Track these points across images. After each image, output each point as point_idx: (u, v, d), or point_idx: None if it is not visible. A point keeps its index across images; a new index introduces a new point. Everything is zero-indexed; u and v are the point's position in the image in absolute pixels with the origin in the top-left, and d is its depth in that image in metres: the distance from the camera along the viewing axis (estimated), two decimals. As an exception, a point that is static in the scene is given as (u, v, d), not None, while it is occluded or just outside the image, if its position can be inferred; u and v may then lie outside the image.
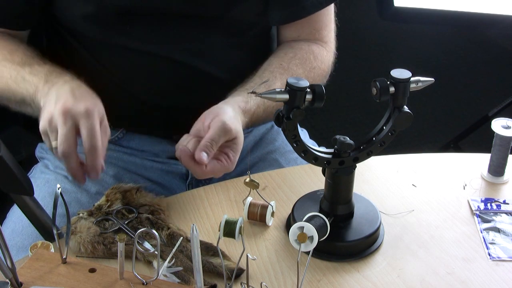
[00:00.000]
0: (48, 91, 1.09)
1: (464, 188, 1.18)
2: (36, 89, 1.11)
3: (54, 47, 1.34)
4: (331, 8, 1.34)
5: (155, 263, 0.96)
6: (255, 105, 1.17)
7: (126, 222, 1.04)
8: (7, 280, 0.84)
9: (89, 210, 1.05)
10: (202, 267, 0.94)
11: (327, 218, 0.98)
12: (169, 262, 0.92)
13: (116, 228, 1.03)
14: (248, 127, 1.20)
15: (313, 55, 1.29)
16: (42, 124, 1.05)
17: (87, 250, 0.99)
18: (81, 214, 1.04)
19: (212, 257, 0.99)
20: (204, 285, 0.92)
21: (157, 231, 1.02)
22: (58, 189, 0.86)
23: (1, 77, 1.17)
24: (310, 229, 0.93)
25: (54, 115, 1.02)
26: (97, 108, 1.04)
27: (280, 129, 0.98)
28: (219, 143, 1.06)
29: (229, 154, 1.08)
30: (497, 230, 1.08)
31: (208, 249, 1.00)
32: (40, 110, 1.10)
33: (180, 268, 0.93)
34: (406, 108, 0.99)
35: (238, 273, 0.95)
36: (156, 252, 0.97)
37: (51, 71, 1.14)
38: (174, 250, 0.91)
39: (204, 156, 1.03)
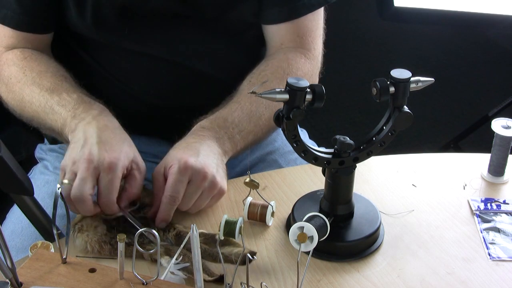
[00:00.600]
0: (75, 127, 1.09)
1: (464, 188, 1.18)
2: (64, 122, 1.11)
3: (53, 49, 1.34)
4: (320, 14, 1.31)
5: (163, 261, 0.96)
6: (217, 116, 1.15)
7: (130, 210, 1.04)
8: (7, 280, 0.84)
9: None
10: (210, 259, 0.96)
11: (327, 218, 0.98)
12: (176, 259, 0.92)
13: (120, 215, 1.04)
14: (235, 137, 1.16)
15: (286, 62, 1.25)
16: (64, 163, 1.05)
17: (94, 249, 0.99)
18: None
19: (221, 247, 1.00)
20: (212, 276, 0.92)
21: (163, 233, 1.02)
22: (58, 189, 0.86)
23: (31, 103, 1.17)
24: (310, 229, 0.93)
25: (79, 160, 1.02)
26: (122, 157, 1.03)
27: (280, 129, 0.98)
28: (158, 189, 1.06)
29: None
30: (497, 230, 1.08)
31: (215, 240, 1.00)
32: (67, 143, 1.11)
33: (187, 264, 0.93)
34: (406, 108, 0.99)
35: (250, 256, 0.95)
36: (163, 250, 0.98)
37: (79, 103, 1.12)
38: (182, 246, 0.91)
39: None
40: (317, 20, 1.31)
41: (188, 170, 1.03)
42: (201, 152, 1.07)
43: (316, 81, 1.31)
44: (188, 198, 1.05)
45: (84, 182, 1.00)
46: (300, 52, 1.29)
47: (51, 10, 1.24)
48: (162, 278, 0.91)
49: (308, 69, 1.29)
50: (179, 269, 0.93)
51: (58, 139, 1.22)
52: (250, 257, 0.86)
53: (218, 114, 1.16)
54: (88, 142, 1.04)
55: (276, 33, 1.30)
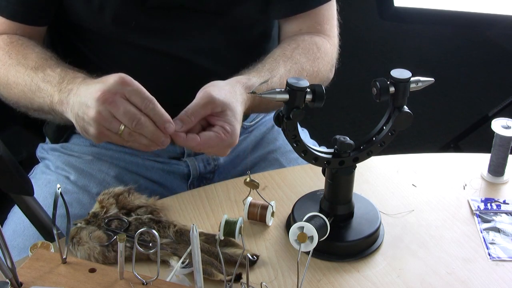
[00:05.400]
0: (66, 101, 1.08)
1: (464, 188, 1.18)
2: (52, 99, 1.11)
3: (56, 46, 1.34)
4: (333, 3, 1.33)
5: (172, 262, 0.96)
6: (259, 83, 1.13)
7: (128, 225, 1.04)
8: (7, 280, 0.84)
9: (85, 219, 1.05)
10: (215, 259, 0.97)
11: (327, 218, 0.98)
12: (183, 262, 0.92)
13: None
14: (253, 108, 1.15)
15: (316, 46, 1.27)
16: (82, 129, 1.04)
17: (98, 261, 0.98)
18: (78, 224, 1.03)
19: (224, 247, 1.00)
20: (229, 275, 0.93)
21: (163, 230, 1.02)
22: (58, 189, 0.86)
23: (17, 84, 1.17)
24: (310, 229, 0.93)
25: (98, 108, 0.99)
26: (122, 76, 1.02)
27: (280, 128, 0.98)
28: (200, 114, 1.04)
29: (225, 126, 1.04)
30: (497, 230, 1.08)
31: (215, 240, 1.01)
32: (62, 117, 1.10)
33: (192, 269, 0.93)
34: (406, 108, 0.99)
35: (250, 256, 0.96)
36: (169, 251, 0.98)
37: (63, 77, 1.12)
38: (188, 249, 0.91)
39: (177, 124, 1.02)
40: (332, 9, 1.33)
41: (235, 119, 1.05)
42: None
43: (334, 70, 1.32)
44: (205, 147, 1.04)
45: (129, 112, 0.98)
46: (323, 38, 1.30)
47: (48, 3, 1.24)
48: (167, 280, 0.91)
49: (332, 56, 1.30)
50: (184, 274, 0.93)
51: (46, 119, 1.21)
52: (250, 257, 0.86)
53: (266, 86, 1.13)
54: (89, 94, 1.01)
55: (291, 23, 1.31)
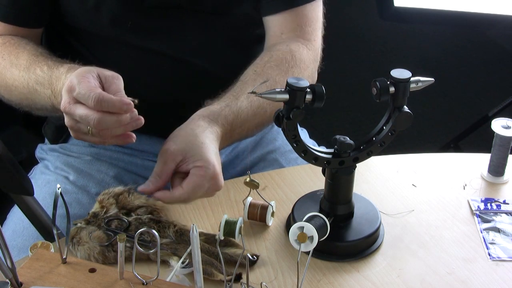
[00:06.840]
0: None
1: (464, 188, 1.18)
2: (52, 102, 1.11)
3: (53, 47, 1.34)
4: (319, 6, 1.32)
5: (172, 262, 0.96)
6: (219, 109, 1.12)
7: (128, 225, 1.04)
8: (7, 280, 0.84)
9: (85, 219, 1.04)
10: (215, 259, 0.97)
11: (327, 218, 0.98)
12: (183, 262, 0.92)
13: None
14: (235, 135, 1.14)
15: (290, 54, 1.25)
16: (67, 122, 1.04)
17: (98, 261, 0.98)
18: (78, 224, 1.03)
19: (224, 248, 1.00)
20: (229, 275, 0.93)
21: (163, 230, 1.02)
22: (58, 189, 0.86)
23: (16, 87, 1.17)
24: (310, 229, 0.93)
25: (66, 118, 1.01)
26: (86, 71, 1.02)
27: (280, 128, 0.98)
28: (166, 171, 1.02)
29: (196, 164, 1.02)
30: (497, 230, 1.08)
31: (215, 240, 1.00)
32: None
33: (192, 269, 0.93)
34: (406, 108, 0.99)
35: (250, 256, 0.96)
36: (169, 251, 0.98)
37: (50, 76, 1.12)
38: (188, 250, 0.91)
39: (149, 186, 1.01)
40: (316, 11, 1.31)
41: (213, 180, 1.02)
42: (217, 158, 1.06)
43: (315, 74, 1.31)
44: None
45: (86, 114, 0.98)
46: (302, 43, 1.29)
47: (42, 4, 1.24)
48: (167, 280, 0.91)
49: (310, 60, 1.29)
50: (184, 274, 0.93)
51: (51, 116, 1.21)
52: (250, 257, 0.86)
53: (229, 110, 1.13)
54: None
55: (276, 22, 1.30)
